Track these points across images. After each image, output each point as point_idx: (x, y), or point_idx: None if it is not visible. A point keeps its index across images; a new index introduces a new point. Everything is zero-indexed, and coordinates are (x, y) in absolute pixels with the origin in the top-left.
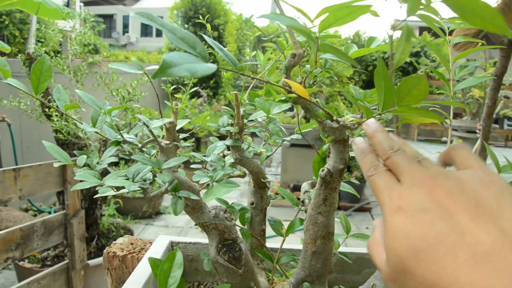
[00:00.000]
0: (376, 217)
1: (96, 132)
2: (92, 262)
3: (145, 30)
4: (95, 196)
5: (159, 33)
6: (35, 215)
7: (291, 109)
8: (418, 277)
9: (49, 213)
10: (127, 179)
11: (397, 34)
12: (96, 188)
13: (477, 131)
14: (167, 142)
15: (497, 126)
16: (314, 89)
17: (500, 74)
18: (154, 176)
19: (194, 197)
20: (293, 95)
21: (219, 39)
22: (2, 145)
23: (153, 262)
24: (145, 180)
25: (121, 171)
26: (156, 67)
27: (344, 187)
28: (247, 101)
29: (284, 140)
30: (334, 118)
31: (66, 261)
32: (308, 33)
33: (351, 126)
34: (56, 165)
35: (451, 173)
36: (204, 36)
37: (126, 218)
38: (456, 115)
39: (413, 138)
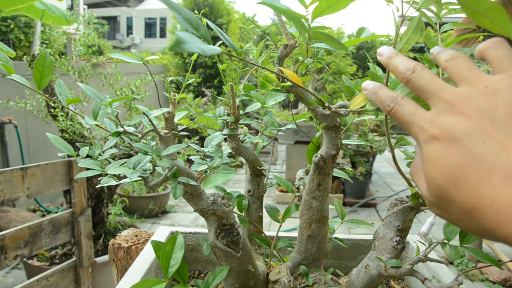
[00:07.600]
0: (382, 212)
1: (97, 125)
2: (99, 259)
3: (149, 32)
4: (97, 186)
5: (162, 34)
6: (43, 216)
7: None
8: (459, 204)
9: (57, 213)
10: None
11: (402, 28)
12: (99, 179)
13: None
14: (166, 131)
15: None
16: (306, 77)
17: None
18: (154, 166)
19: (192, 183)
20: (287, 83)
21: None
22: (10, 147)
23: (156, 244)
24: (145, 170)
25: (122, 160)
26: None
27: (337, 172)
28: (242, 91)
29: (279, 130)
30: (326, 104)
31: (74, 259)
32: (299, 20)
33: (342, 112)
34: (60, 155)
35: (482, 87)
36: (206, 20)
37: (133, 217)
38: None
39: None
